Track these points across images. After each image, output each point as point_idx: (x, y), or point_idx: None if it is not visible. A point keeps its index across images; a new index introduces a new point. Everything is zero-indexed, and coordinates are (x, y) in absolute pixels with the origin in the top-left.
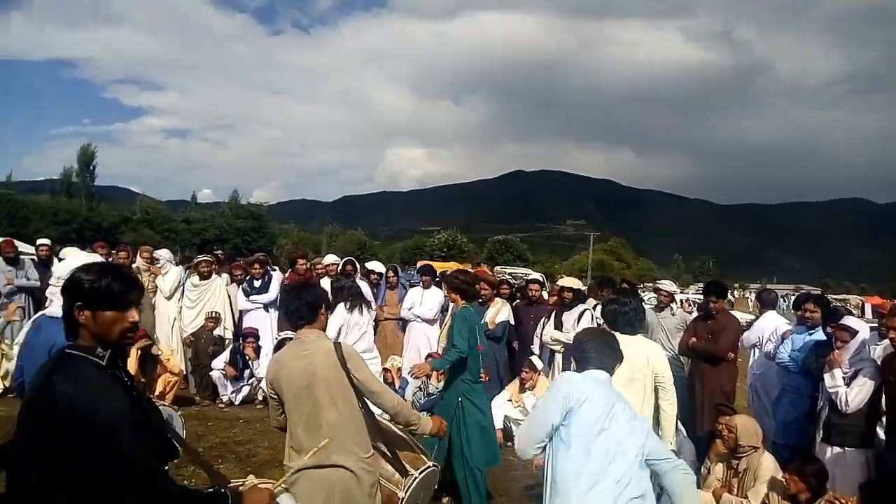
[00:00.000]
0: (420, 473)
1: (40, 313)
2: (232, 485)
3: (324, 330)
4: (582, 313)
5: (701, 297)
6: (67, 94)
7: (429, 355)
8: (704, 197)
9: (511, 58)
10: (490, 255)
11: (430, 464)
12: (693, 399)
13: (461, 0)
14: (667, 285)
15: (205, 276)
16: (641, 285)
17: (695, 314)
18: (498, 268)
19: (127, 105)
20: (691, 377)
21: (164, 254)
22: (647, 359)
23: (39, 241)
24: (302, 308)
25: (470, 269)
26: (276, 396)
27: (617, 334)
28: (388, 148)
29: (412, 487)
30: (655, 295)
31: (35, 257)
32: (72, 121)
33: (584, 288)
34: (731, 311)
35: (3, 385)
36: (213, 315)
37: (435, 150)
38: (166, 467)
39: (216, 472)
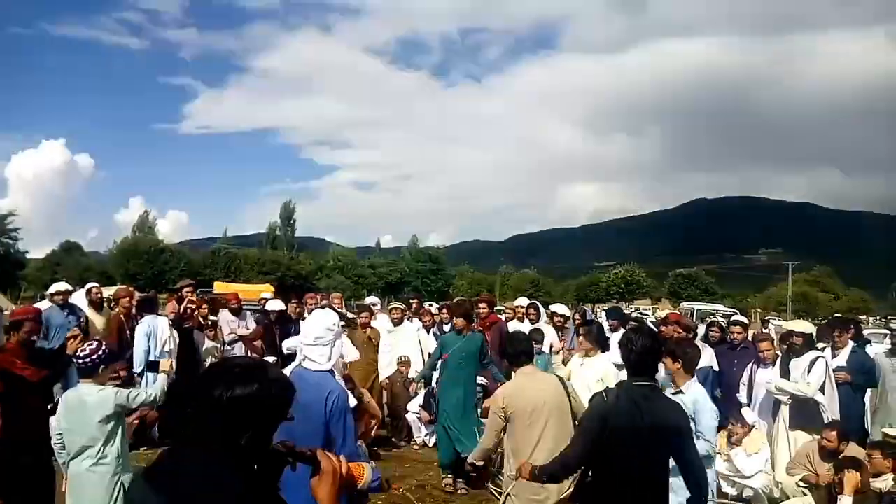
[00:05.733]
0: None
1: (295, 364)
2: None
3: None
4: (814, 361)
5: None
6: (271, 158)
7: None
8: None
9: (692, 84)
10: (672, 289)
11: None
12: None
13: (635, 31)
14: None
15: (397, 323)
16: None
17: None
18: (684, 304)
19: (320, 164)
20: None
21: (374, 300)
22: None
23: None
24: (520, 354)
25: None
26: (504, 417)
27: None
28: (560, 185)
29: None
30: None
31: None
32: (276, 180)
33: (813, 332)
34: None
35: None
36: (404, 359)
37: (608, 184)
38: None
39: None
